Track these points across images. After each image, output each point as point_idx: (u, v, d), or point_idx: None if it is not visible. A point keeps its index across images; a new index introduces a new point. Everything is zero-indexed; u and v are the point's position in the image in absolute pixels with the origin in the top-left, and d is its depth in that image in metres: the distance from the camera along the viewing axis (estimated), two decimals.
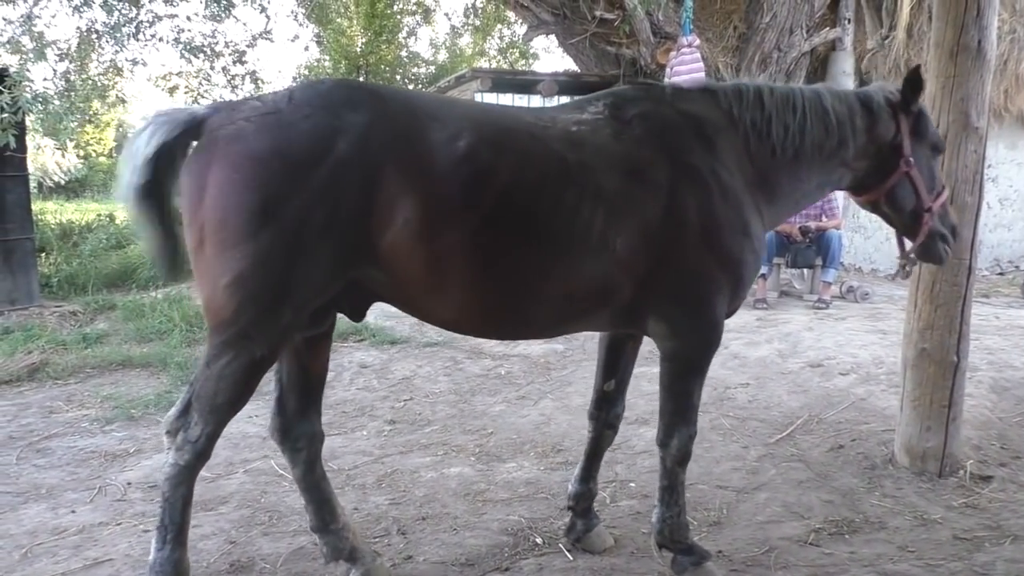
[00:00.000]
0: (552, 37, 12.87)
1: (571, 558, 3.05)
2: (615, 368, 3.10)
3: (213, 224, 2.19)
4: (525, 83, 10.96)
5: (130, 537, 3.23)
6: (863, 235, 11.38)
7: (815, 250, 8.80)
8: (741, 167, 2.69)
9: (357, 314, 2.61)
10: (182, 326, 6.97)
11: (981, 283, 10.06)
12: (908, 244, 3.20)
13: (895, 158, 2.96)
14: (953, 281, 3.73)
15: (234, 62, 15.16)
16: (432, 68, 19.03)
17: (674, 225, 2.54)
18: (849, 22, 10.19)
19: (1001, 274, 11.60)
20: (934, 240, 3.08)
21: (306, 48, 30.11)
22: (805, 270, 9.36)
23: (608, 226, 2.45)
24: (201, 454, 2.44)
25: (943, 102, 3.70)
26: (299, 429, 2.76)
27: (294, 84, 2.56)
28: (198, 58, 14.40)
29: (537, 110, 2.80)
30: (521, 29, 17.15)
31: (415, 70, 18.93)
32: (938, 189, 3.08)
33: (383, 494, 3.69)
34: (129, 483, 3.82)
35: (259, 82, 15.61)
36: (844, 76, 10.18)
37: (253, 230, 2.16)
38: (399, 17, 18.81)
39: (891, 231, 3.30)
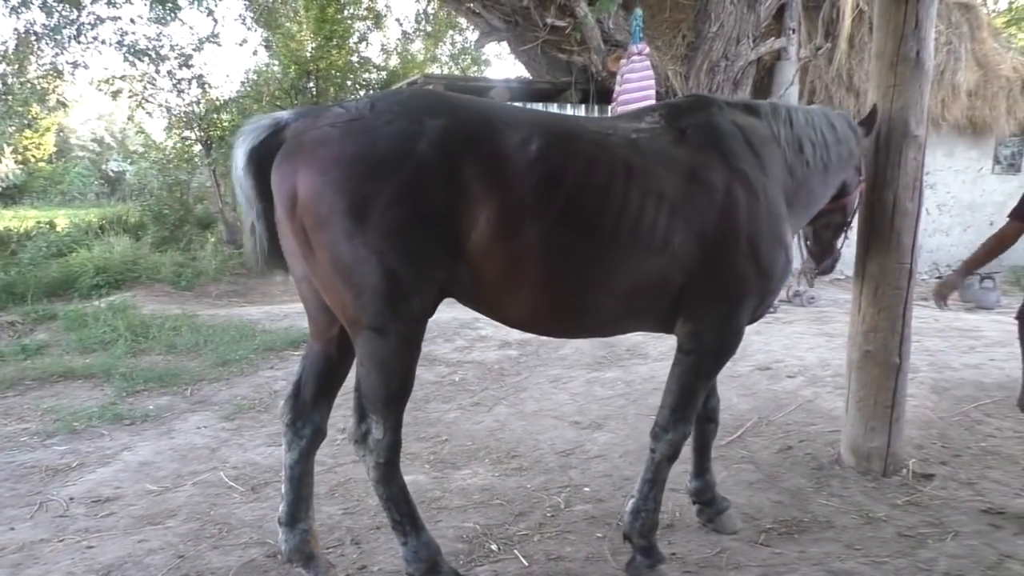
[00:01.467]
0: (504, 44, 12.90)
1: (526, 564, 3.05)
2: None
3: (310, 226, 2.33)
4: (477, 89, 10.95)
5: (73, 554, 3.13)
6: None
7: None
8: (781, 178, 2.86)
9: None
10: (127, 336, 6.80)
11: (921, 287, 10.36)
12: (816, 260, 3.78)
13: (857, 174, 3.40)
14: (895, 285, 3.83)
15: (180, 66, 14.91)
16: (383, 74, 18.88)
17: (725, 228, 2.65)
18: (794, 32, 10.42)
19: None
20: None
21: (255, 52, 29.66)
22: None
23: (669, 226, 2.57)
24: (393, 447, 2.61)
25: (884, 111, 3.80)
26: (308, 418, 2.88)
27: (377, 94, 2.70)
28: (142, 61, 14.12)
29: (597, 119, 3.02)
30: (473, 35, 17.20)
31: (366, 75, 18.75)
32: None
33: (336, 504, 3.65)
34: (72, 498, 3.70)
35: (206, 86, 15.38)
36: (789, 85, 10.40)
37: (346, 230, 2.28)
38: (350, 22, 18.64)
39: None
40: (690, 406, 2.87)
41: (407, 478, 3.89)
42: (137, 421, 4.88)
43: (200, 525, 3.42)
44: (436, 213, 2.33)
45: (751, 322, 2.92)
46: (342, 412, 5.09)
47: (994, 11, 22.02)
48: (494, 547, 3.20)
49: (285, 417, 2.88)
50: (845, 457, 4.10)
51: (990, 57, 11.34)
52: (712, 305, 2.75)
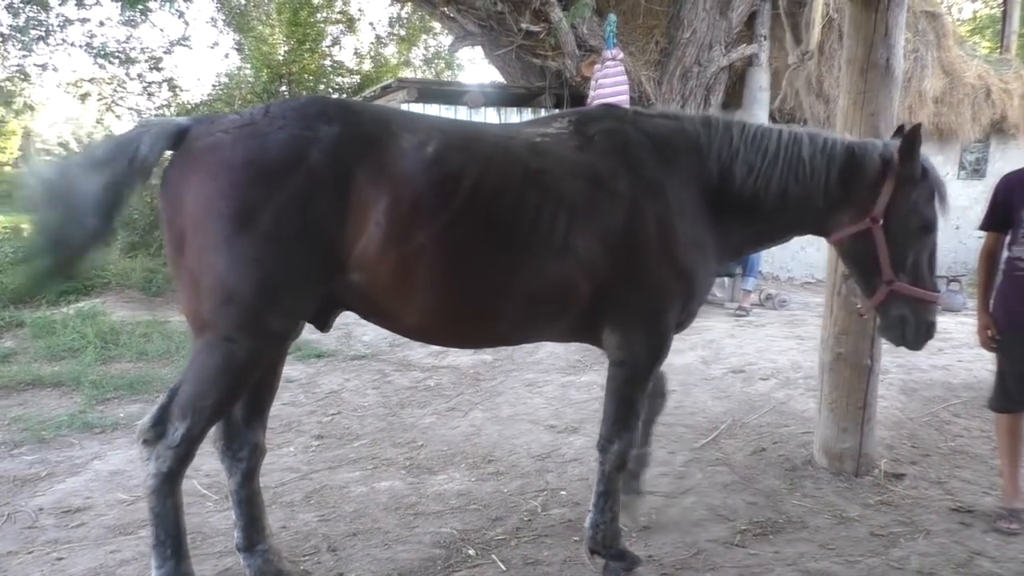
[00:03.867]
0: (478, 48, 12.91)
1: (504, 568, 3.05)
2: None
3: (192, 230, 2.29)
4: (452, 94, 10.94)
5: (43, 566, 3.08)
6: (781, 246, 11.75)
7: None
8: (701, 189, 2.76)
9: (324, 324, 2.68)
10: (96, 343, 6.69)
11: None
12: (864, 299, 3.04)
13: (864, 210, 2.82)
14: None
15: (150, 68, 14.76)
16: (357, 78, 18.81)
17: (634, 235, 2.62)
18: (765, 39, 10.54)
19: None
20: (892, 320, 2.90)
21: (226, 55, 29.50)
22: (726, 279, 9.63)
23: (569, 230, 2.54)
24: (183, 459, 2.44)
25: (855, 116, 3.87)
26: (243, 439, 2.77)
27: (275, 101, 2.69)
28: (112, 64, 13.96)
29: (502, 125, 2.89)
30: (447, 39, 17.17)
31: (339, 79, 18.67)
32: (921, 279, 2.83)
33: (312, 511, 3.62)
34: (41, 509, 3.63)
35: (177, 90, 15.23)
36: (760, 91, 10.53)
37: (229, 236, 2.26)
38: (323, 25, 18.56)
39: (807, 240, 3.41)
40: (631, 415, 2.86)
41: (383, 484, 3.91)
42: (107, 429, 4.80)
43: None
44: (326, 222, 2.32)
45: (678, 327, 2.89)
46: (317, 418, 5.07)
47: (959, 20, 22.48)
48: (471, 552, 3.19)
49: (218, 444, 2.78)
50: (818, 458, 4.15)
51: (955, 65, 11.54)
52: (634, 314, 2.74)
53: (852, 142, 2.92)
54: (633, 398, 2.84)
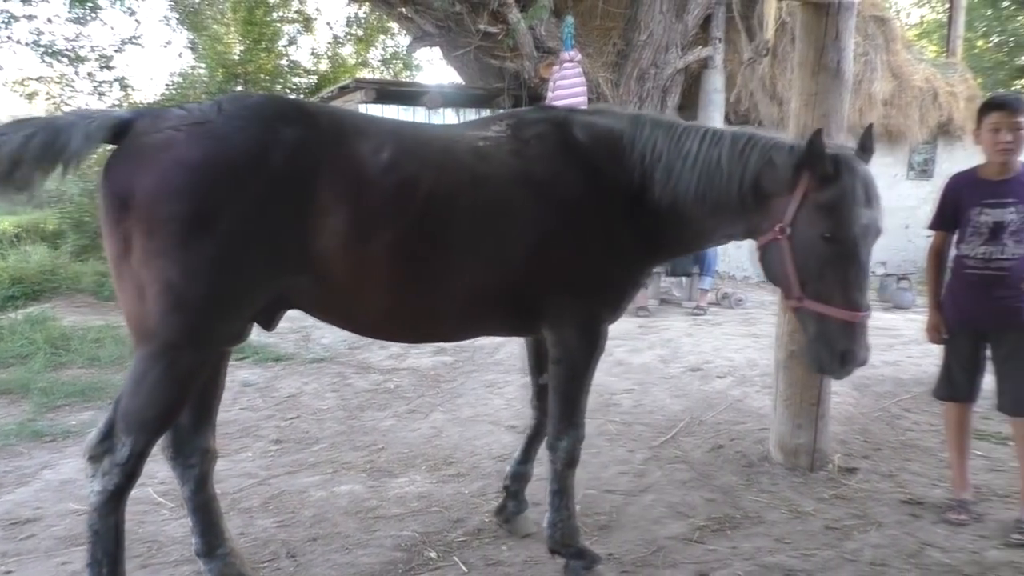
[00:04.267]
0: (436, 49, 12.88)
1: (465, 570, 3.05)
2: (543, 364, 3.20)
3: (142, 232, 2.18)
4: (410, 94, 10.90)
5: None
6: (736, 244, 11.89)
7: (692, 259, 9.18)
8: (628, 190, 2.77)
9: (270, 323, 2.63)
10: (46, 349, 6.53)
11: None
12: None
13: (777, 218, 2.56)
14: None
15: (100, 67, 14.44)
16: (314, 78, 18.64)
17: (562, 238, 2.66)
18: (720, 42, 10.69)
19: None
20: (807, 342, 2.62)
21: (180, 55, 28.99)
22: (683, 278, 9.75)
23: (509, 233, 2.60)
24: (131, 475, 2.38)
25: (807, 118, 3.94)
26: (192, 445, 2.71)
27: (223, 96, 2.59)
28: (60, 62, 13.63)
29: (446, 127, 2.91)
30: (405, 40, 17.10)
31: (296, 79, 18.48)
32: (831, 297, 2.48)
33: (270, 517, 3.57)
34: None
35: (128, 89, 14.92)
36: (715, 93, 10.67)
37: (184, 239, 2.17)
38: (279, 25, 18.35)
39: None
40: (575, 411, 2.90)
41: (343, 488, 3.88)
42: (58, 438, 4.69)
43: (128, 543, 3.25)
44: (284, 225, 2.29)
45: (612, 320, 2.96)
46: (275, 422, 5.01)
47: (906, 24, 23.03)
48: (433, 554, 3.18)
49: (167, 452, 2.71)
50: (774, 454, 4.22)
51: (903, 68, 11.84)
52: (568, 313, 2.79)
53: (773, 143, 2.67)
54: (575, 395, 2.89)
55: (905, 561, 3.11)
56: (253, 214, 2.23)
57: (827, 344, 2.51)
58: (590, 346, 2.85)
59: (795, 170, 2.53)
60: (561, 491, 2.97)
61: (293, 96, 17.57)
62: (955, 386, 3.58)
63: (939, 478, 3.97)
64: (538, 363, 3.27)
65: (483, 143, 2.69)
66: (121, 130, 2.28)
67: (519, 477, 3.39)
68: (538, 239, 2.63)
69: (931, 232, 3.69)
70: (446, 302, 2.64)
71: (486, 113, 10.61)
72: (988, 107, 3.41)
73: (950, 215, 3.57)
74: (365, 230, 2.38)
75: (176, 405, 2.38)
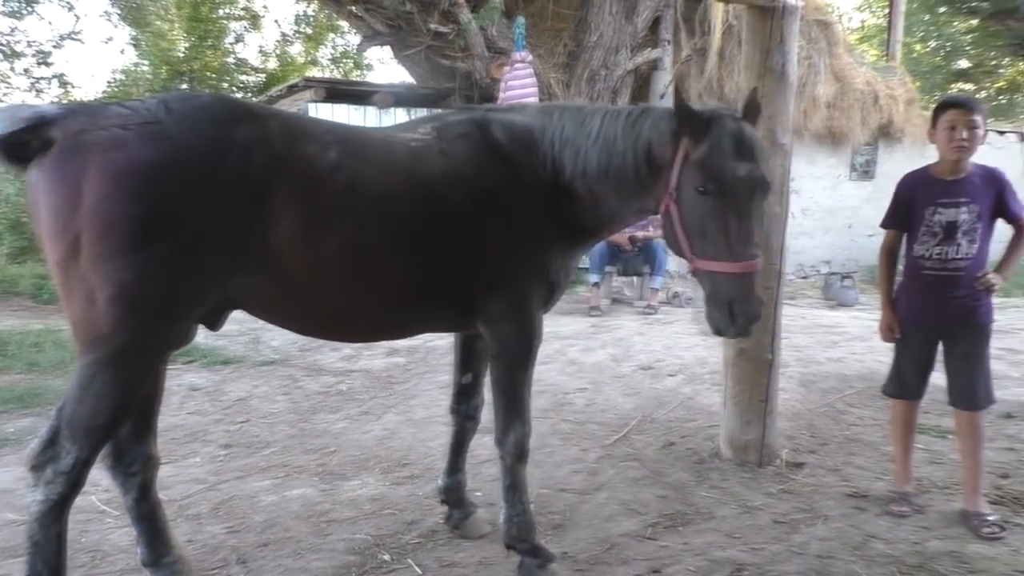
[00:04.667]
0: (387, 48, 12.78)
1: (419, 571, 3.03)
2: (469, 362, 3.33)
3: (92, 235, 2.11)
4: (360, 94, 10.79)
5: None
6: None
7: (643, 259, 9.28)
8: (543, 182, 2.86)
9: (215, 323, 2.62)
10: None
11: (788, 286, 10.97)
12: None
13: (666, 187, 2.63)
14: (765, 285, 4.04)
15: (38, 63, 14.02)
16: (262, 76, 18.36)
17: (491, 232, 2.76)
18: (668, 43, 10.82)
19: (804, 278, 12.71)
20: (705, 302, 2.66)
21: (122, 51, 28.23)
22: (634, 278, 9.86)
23: (445, 229, 2.68)
24: (76, 484, 2.32)
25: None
26: (133, 452, 2.66)
27: (165, 95, 2.52)
28: None
29: (376, 129, 3.05)
30: (355, 39, 16.94)
31: (244, 78, 18.20)
32: (719, 250, 2.52)
33: (219, 522, 3.51)
34: None
35: (68, 86, 14.52)
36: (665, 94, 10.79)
37: (138, 241, 2.13)
38: (225, 22, 18.03)
39: None
40: (518, 403, 2.95)
41: (294, 492, 3.83)
42: None
43: (70, 553, 3.15)
44: (239, 227, 2.28)
45: (546, 310, 3.04)
46: (224, 426, 4.92)
47: (848, 29, 23.61)
48: (386, 557, 3.16)
49: (107, 461, 2.64)
50: (724, 450, 4.29)
51: (846, 71, 12.13)
52: (501, 307, 2.86)
53: (662, 113, 2.72)
54: (517, 388, 2.94)
55: (850, 553, 3.19)
56: (208, 215, 2.21)
57: (718, 301, 2.56)
58: (526, 336, 2.92)
59: (674, 136, 2.60)
60: (514, 486, 3.00)
61: (240, 95, 17.30)
62: (906, 385, 3.64)
63: (882, 471, 4.07)
64: (465, 360, 3.34)
65: (414, 144, 2.76)
66: (39, 125, 2.15)
67: (453, 489, 3.40)
68: (470, 234, 2.72)
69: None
70: (391, 299, 2.72)
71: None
72: (944, 106, 3.43)
73: (903, 214, 3.58)
74: (317, 229, 2.40)
75: (124, 411, 2.33)
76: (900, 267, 3.70)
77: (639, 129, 2.71)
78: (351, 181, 2.48)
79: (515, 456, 2.96)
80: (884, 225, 3.71)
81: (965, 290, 3.41)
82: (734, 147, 2.50)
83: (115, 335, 2.19)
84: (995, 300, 3.54)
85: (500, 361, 2.93)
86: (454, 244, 2.70)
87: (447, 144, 2.80)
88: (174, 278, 2.21)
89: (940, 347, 3.57)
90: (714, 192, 2.49)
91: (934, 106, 3.57)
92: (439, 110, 10.14)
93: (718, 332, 2.67)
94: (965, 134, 3.32)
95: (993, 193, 3.43)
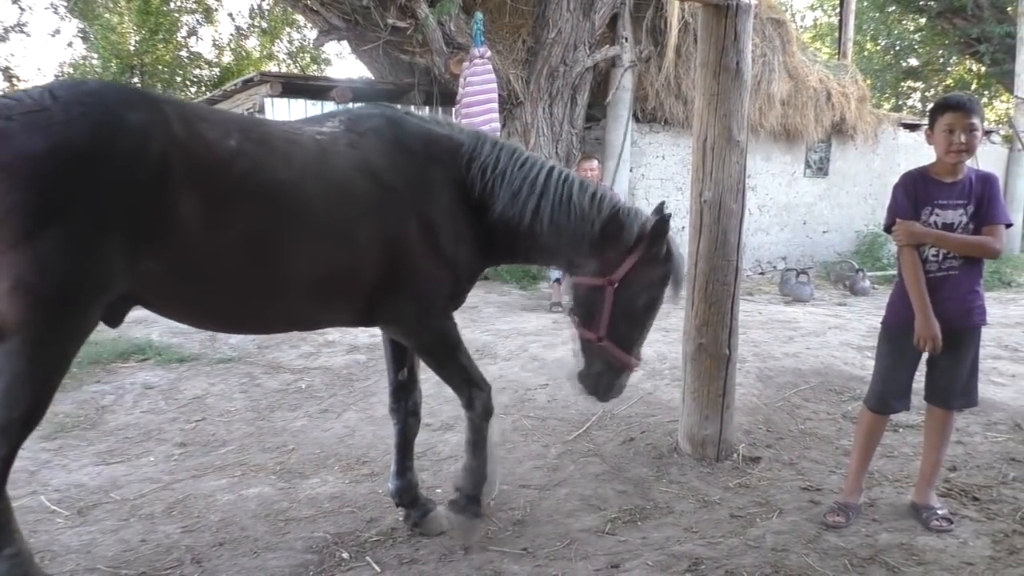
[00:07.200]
0: (344, 43, 12.66)
1: (379, 569, 3.02)
2: (402, 358, 3.34)
3: None
4: (317, 88, 10.67)
5: None
6: None
7: None
8: (461, 192, 3.00)
9: (115, 319, 2.55)
10: None
11: (746, 282, 11.14)
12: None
13: (607, 269, 3.05)
14: (723, 281, 4.10)
15: None
16: (216, 70, 18.06)
17: (401, 226, 2.83)
18: (627, 40, 10.88)
19: (762, 274, 12.90)
20: (590, 371, 3.20)
21: (70, 44, 27.54)
22: None
23: (351, 221, 2.72)
24: None
25: (709, 117, 4.05)
26: None
27: (51, 83, 2.47)
28: None
29: (281, 122, 3.04)
30: (312, 33, 16.74)
31: (197, 72, 17.90)
32: (628, 346, 3.12)
33: (174, 522, 3.45)
34: None
35: (14, 79, 14.14)
36: (624, 91, 10.86)
37: (32, 230, 2.08)
38: (177, 15, 17.71)
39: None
40: (465, 371, 3.13)
41: (251, 491, 3.78)
42: None
43: None
44: (135, 213, 2.24)
45: (453, 307, 3.16)
46: (179, 425, 4.84)
47: (801, 27, 24.03)
48: (345, 555, 3.14)
49: None
50: (682, 445, 4.33)
51: (800, 69, 12.32)
52: (407, 300, 2.95)
53: (620, 204, 3.16)
54: (456, 364, 3.12)
55: (804, 546, 3.24)
56: (103, 201, 2.17)
57: (608, 379, 3.18)
58: (440, 329, 3.05)
59: (637, 238, 3.05)
60: (478, 440, 3.18)
61: (195, 89, 16.99)
62: (889, 405, 3.52)
63: (836, 465, 4.15)
64: (397, 357, 3.35)
65: (320, 136, 2.78)
66: None
67: (406, 490, 3.37)
68: (378, 228, 2.77)
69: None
70: (293, 290, 2.71)
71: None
72: (942, 108, 3.32)
73: (912, 211, 3.39)
74: (217, 215, 2.39)
75: (41, 405, 2.28)
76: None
77: (600, 206, 3.08)
78: (252, 168, 2.46)
79: (482, 416, 3.16)
80: (887, 229, 3.55)
81: (959, 292, 3.35)
82: (678, 280, 3.16)
83: (21, 326, 2.14)
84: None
85: (427, 355, 3.11)
86: (363, 234, 2.74)
87: (356, 137, 2.85)
88: (73, 265, 2.15)
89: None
90: (652, 307, 3.14)
91: (932, 106, 3.45)
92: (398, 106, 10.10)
93: (593, 395, 3.28)
94: (963, 138, 3.25)
95: (983, 195, 3.34)
